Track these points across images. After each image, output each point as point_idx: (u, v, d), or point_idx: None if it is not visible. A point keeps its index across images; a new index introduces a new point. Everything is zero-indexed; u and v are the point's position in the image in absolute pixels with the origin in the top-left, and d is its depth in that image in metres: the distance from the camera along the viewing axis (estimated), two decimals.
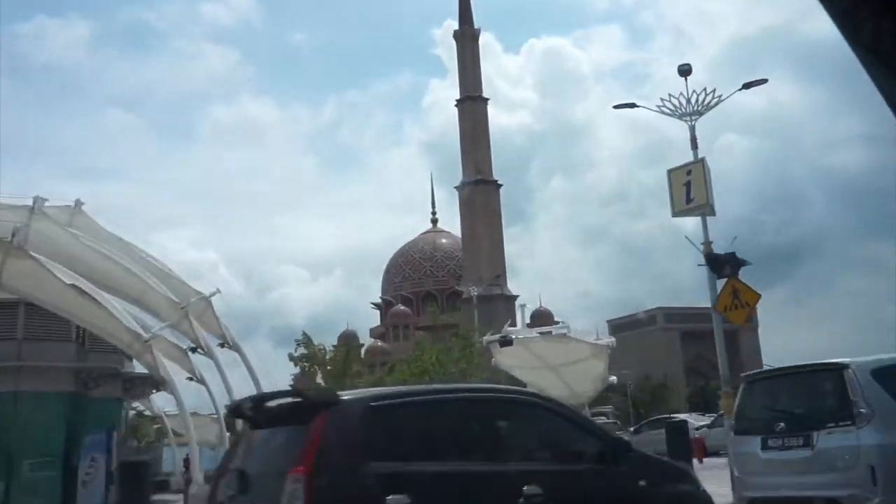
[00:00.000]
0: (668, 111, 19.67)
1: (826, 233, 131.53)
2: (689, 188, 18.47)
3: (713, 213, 19.75)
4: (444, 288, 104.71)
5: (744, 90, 20.73)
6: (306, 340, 40.02)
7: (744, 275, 15.50)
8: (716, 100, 20.82)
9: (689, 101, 19.50)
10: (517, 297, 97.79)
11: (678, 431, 22.56)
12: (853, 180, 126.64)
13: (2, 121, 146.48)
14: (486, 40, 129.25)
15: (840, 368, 8.76)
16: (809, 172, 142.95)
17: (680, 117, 19.68)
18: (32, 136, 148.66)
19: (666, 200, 18.33)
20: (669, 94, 19.80)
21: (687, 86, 19.89)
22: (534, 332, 16.83)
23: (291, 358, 40.56)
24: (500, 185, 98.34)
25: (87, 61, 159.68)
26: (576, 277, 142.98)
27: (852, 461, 8.23)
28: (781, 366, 10.96)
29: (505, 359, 18.75)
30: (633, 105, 21.44)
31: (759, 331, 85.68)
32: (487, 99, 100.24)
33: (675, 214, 18.91)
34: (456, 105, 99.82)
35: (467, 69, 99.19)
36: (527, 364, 20.58)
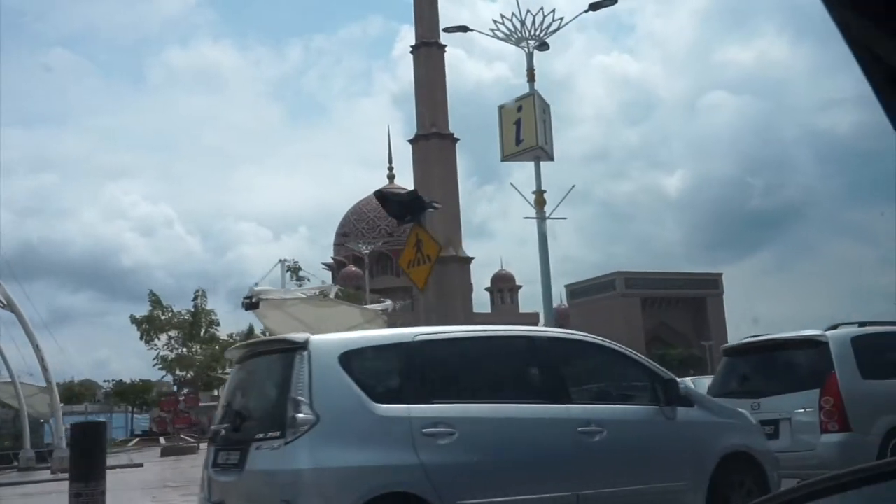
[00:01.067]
0: (502, 36, 16.85)
1: (814, 196, 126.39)
2: (520, 127, 15.54)
3: (549, 157, 14.91)
4: (399, 249, 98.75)
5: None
6: (154, 299, 33.95)
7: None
8: (556, 22, 15.96)
9: (523, 23, 16.72)
10: (472, 258, 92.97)
11: None
12: (842, 143, 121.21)
13: None
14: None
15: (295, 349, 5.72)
16: (798, 134, 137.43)
17: (517, 43, 16.88)
18: None
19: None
20: (502, 16, 15.14)
21: (519, 7, 15.03)
22: (296, 293, 11.92)
23: (133, 320, 34.34)
24: (457, 140, 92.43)
25: None
26: (554, 240, 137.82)
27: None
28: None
29: (272, 323, 13.66)
30: (465, 28, 16.70)
31: (724, 297, 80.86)
32: (444, 46, 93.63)
33: (504, 158, 16.08)
34: (411, 52, 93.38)
35: (423, 12, 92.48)
36: (293, 330, 15.63)
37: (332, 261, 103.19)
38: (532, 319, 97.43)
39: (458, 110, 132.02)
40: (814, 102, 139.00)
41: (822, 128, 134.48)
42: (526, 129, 15.27)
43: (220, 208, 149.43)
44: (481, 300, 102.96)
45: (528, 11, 15.99)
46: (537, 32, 16.25)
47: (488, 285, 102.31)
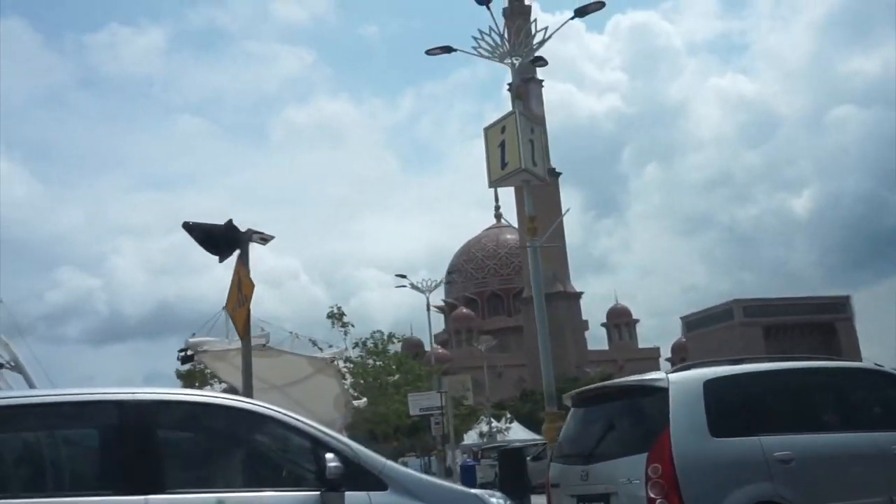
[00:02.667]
0: (485, 53, 15.14)
1: None
2: (504, 150, 14.13)
3: (540, 179, 13.61)
4: (509, 287, 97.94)
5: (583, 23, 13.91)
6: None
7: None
8: (540, 32, 14.81)
9: (502, 38, 15.15)
10: (581, 293, 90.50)
11: (513, 460, 18.79)
12: None
13: (77, 133, 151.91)
14: (566, 19, 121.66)
15: None
16: None
17: (500, 59, 15.30)
18: (107, 146, 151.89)
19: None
20: (481, 32, 15.00)
21: (495, 20, 14.94)
22: (236, 343, 11.03)
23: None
24: (559, 174, 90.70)
25: (160, 68, 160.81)
26: (680, 270, 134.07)
27: None
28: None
29: (226, 376, 12.87)
30: (449, 49, 15.70)
31: (858, 321, 74.95)
32: (542, 81, 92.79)
33: (491, 184, 14.73)
34: (507, 90, 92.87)
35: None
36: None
37: (442, 303, 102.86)
38: (652, 354, 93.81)
39: (571, 144, 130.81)
40: None
41: None
42: (510, 150, 13.99)
43: (343, 256, 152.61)
44: (599, 335, 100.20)
45: (507, 26, 14.78)
46: (520, 47, 14.96)
47: (605, 320, 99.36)
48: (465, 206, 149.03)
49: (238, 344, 12.38)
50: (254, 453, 4.58)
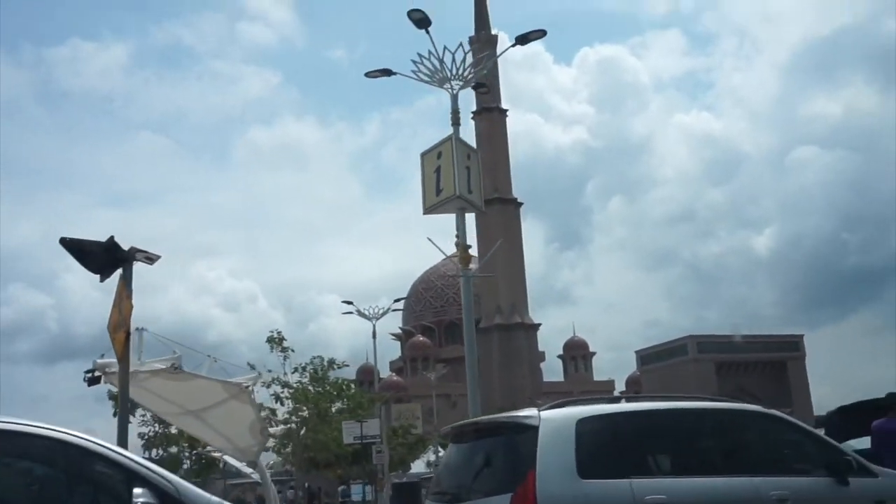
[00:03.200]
0: (425, 78, 15.11)
1: None
2: (440, 176, 13.99)
3: (475, 208, 13.38)
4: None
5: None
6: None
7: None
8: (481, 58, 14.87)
9: (441, 62, 14.97)
10: (539, 325, 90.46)
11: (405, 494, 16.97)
12: None
13: (34, 148, 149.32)
14: (534, 50, 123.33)
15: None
16: (895, 186, 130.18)
17: (440, 84, 15.16)
18: (65, 162, 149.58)
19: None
20: (420, 56, 15.03)
21: (434, 44, 15.02)
22: (145, 365, 10.49)
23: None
24: (521, 204, 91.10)
25: (121, 84, 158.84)
26: (642, 305, 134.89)
27: None
28: None
29: (138, 398, 12.31)
30: (388, 72, 15.42)
31: (807, 361, 75.90)
32: (506, 110, 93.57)
33: (426, 210, 14.38)
34: (472, 117, 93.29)
35: (484, 78, 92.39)
36: (165, 409, 14.25)
37: (399, 331, 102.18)
38: (607, 387, 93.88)
39: (536, 175, 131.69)
40: None
41: None
42: (445, 177, 13.75)
43: (303, 281, 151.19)
44: (557, 367, 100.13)
45: (447, 49, 14.59)
46: (460, 72, 14.78)
47: (561, 352, 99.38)
48: (428, 234, 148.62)
49: (148, 366, 11.94)
50: (56, 485, 4.07)
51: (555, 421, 6.01)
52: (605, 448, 6.16)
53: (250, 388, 12.57)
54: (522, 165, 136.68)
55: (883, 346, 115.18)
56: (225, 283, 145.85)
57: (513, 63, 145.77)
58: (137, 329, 18.07)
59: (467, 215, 14.30)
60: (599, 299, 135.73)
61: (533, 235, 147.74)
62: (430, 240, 14.07)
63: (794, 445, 7.02)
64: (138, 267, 8.35)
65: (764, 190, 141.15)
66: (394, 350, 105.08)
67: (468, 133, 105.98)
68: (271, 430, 15.05)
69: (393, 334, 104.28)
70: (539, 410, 6.19)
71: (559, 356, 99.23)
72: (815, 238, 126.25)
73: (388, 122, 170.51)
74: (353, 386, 29.18)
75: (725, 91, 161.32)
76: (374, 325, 35.39)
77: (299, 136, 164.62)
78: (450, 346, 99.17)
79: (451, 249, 14.54)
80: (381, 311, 36.36)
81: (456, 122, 14.51)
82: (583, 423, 6.03)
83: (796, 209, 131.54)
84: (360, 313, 34.87)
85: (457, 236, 14.05)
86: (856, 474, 6.48)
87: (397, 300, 42.13)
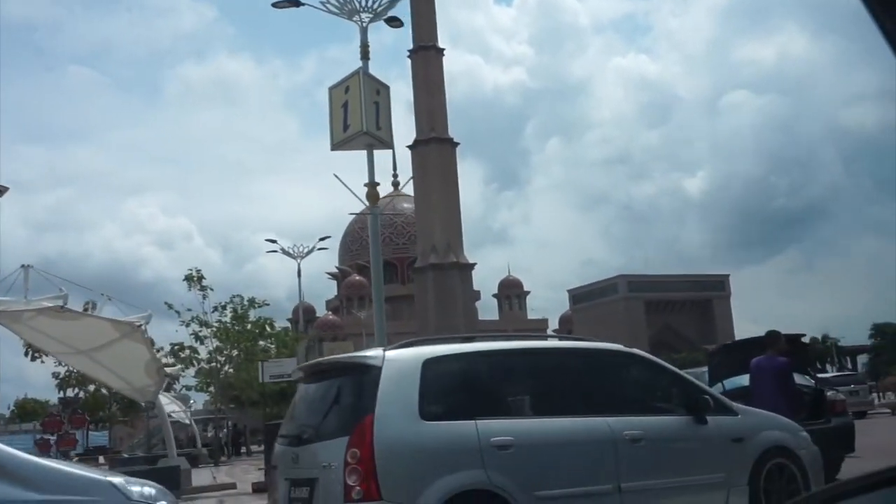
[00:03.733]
0: (334, 10, 14.77)
1: (840, 194, 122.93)
2: (347, 111, 13.67)
3: (385, 145, 13.13)
4: (404, 256, 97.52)
5: None
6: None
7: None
8: None
9: None
10: (474, 265, 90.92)
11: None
12: (868, 138, 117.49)
13: None
14: None
15: None
16: (823, 131, 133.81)
17: (349, 16, 14.80)
18: None
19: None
20: None
21: None
22: (32, 304, 10.13)
23: None
24: (457, 144, 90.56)
25: (44, 13, 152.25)
26: (578, 245, 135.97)
27: None
28: None
29: (27, 338, 12.03)
30: (297, 3, 14.94)
31: (732, 300, 78.18)
32: (443, 49, 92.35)
33: (333, 147, 13.95)
34: (408, 56, 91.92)
35: (421, 16, 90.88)
36: (55, 349, 13.98)
37: (336, 270, 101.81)
38: (541, 325, 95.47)
39: (475, 116, 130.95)
40: (838, 98, 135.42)
41: (848, 124, 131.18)
42: (352, 112, 13.51)
43: (239, 220, 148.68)
44: (493, 306, 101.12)
45: None
46: (370, 4, 14.42)
47: (496, 291, 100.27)
48: (366, 174, 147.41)
49: (36, 305, 11.60)
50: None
51: (399, 361, 5.86)
52: (453, 389, 6.11)
53: (142, 327, 12.31)
54: (462, 106, 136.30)
55: (806, 285, 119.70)
56: (158, 221, 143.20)
57: (452, 2, 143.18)
58: (23, 266, 17.58)
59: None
60: (537, 239, 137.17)
61: (472, 176, 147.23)
62: (336, 176, 13.87)
63: (655, 385, 7.13)
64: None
65: (697, 133, 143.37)
66: (332, 290, 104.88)
67: (405, 72, 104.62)
68: (168, 370, 14.74)
69: (329, 273, 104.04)
70: (384, 350, 6.06)
71: (494, 295, 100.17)
72: (744, 180, 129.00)
73: (326, 59, 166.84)
74: (275, 325, 29.00)
75: (662, 34, 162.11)
76: (298, 264, 35.12)
77: (234, 73, 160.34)
78: (386, 285, 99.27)
79: (363, 189, 14.36)
80: (305, 251, 35.94)
81: (365, 55, 14.22)
82: (429, 363, 5.89)
83: (728, 152, 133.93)
84: (284, 252, 34.47)
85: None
86: (715, 413, 6.62)
87: (322, 239, 41.78)
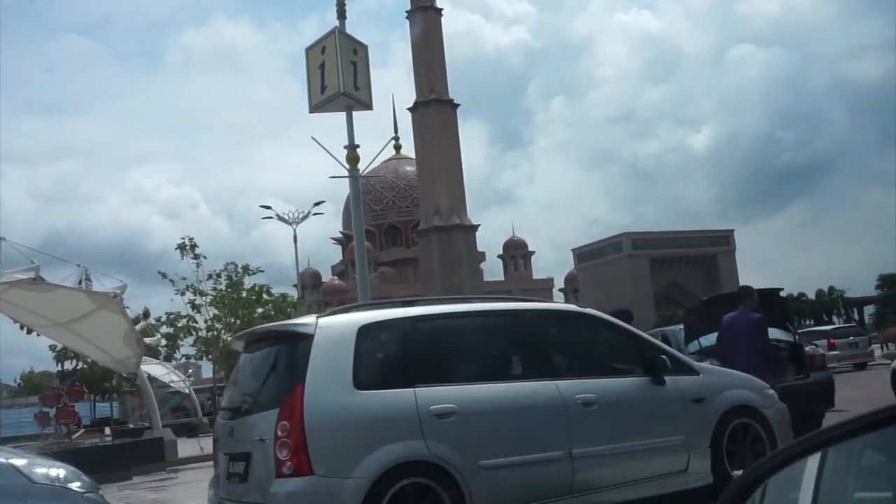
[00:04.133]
0: None
1: (846, 147, 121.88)
2: (324, 72, 13.41)
3: (365, 106, 12.92)
4: (408, 220, 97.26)
5: None
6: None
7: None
8: None
9: None
10: (478, 226, 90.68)
11: None
12: (873, 90, 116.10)
13: None
14: None
15: None
16: (828, 84, 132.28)
17: None
18: None
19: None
20: None
21: None
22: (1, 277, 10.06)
23: None
24: (457, 105, 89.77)
25: None
26: (583, 204, 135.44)
27: None
28: None
29: (11, 313, 11.93)
30: None
31: (737, 255, 77.90)
32: (441, 9, 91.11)
33: (312, 109, 13.79)
34: (406, 17, 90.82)
35: None
36: (32, 321, 13.87)
37: (340, 235, 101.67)
38: (546, 285, 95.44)
39: (477, 76, 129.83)
40: (843, 50, 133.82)
41: (853, 76, 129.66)
42: (329, 73, 13.23)
43: (244, 187, 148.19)
44: (497, 268, 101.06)
45: None
46: None
47: (500, 252, 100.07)
48: (367, 137, 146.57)
49: (6, 278, 11.49)
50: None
51: (333, 328, 5.57)
52: (390, 356, 5.86)
53: (118, 297, 12.17)
54: (464, 67, 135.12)
55: (811, 238, 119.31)
56: (163, 191, 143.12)
57: None
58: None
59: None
60: (542, 199, 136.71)
61: (475, 137, 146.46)
62: (314, 139, 13.59)
63: (610, 346, 6.82)
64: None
65: (702, 89, 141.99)
66: (338, 254, 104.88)
67: (400, 34, 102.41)
68: (147, 340, 14.64)
69: (334, 239, 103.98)
70: (318, 317, 5.77)
71: (499, 256, 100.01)
72: (750, 136, 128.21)
73: (327, 23, 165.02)
74: (272, 291, 28.91)
75: None
76: (294, 230, 34.91)
77: (234, 38, 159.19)
78: (391, 248, 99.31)
79: (342, 151, 14.07)
80: (300, 216, 35.65)
81: (341, 14, 13.85)
82: (365, 329, 5.60)
83: (733, 107, 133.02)
84: (279, 217, 34.26)
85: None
86: (674, 373, 6.35)
87: (316, 204, 41.43)
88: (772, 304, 10.75)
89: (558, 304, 7.24)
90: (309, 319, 5.79)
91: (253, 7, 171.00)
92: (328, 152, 13.70)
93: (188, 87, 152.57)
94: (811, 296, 78.82)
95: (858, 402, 11.04)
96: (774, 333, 10.09)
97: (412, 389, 5.45)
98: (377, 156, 13.75)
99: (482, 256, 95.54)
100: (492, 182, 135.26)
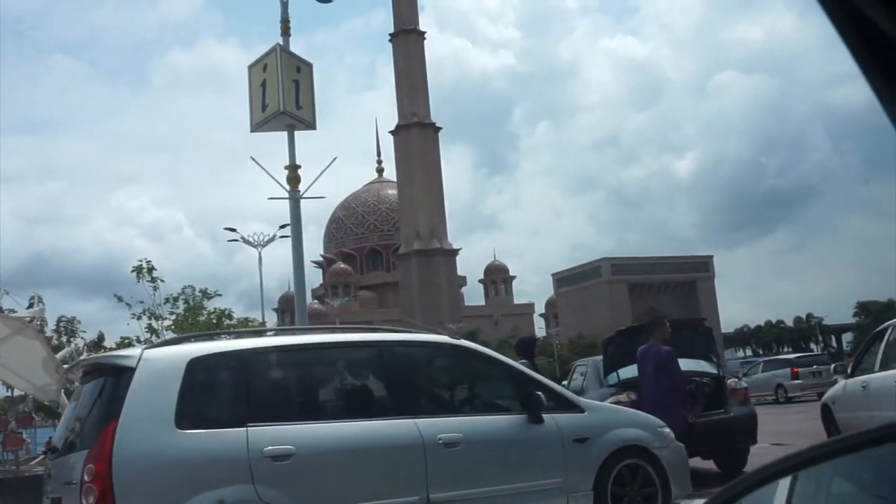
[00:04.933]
0: None
1: (830, 174, 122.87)
2: (265, 90, 13.15)
3: (308, 125, 12.60)
4: (389, 243, 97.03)
5: None
6: None
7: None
8: None
9: None
10: (458, 250, 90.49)
11: None
12: (856, 117, 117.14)
13: None
14: None
15: None
16: (812, 111, 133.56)
17: None
18: None
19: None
20: None
21: None
22: None
23: None
24: (439, 129, 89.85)
25: (31, 3, 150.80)
26: (567, 229, 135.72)
27: None
28: None
29: None
30: None
31: (717, 281, 77.96)
32: (424, 33, 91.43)
33: (253, 128, 13.45)
34: (389, 40, 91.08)
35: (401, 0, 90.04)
36: None
37: (321, 258, 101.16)
38: (527, 310, 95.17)
39: (463, 100, 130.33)
40: (826, 77, 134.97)
41: (836, 103, 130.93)
42: (270, 91, 12.92)
43: (228, 209, 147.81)
44: (479, 292, 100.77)
45: None
46: None
47: (482, 276, 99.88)
48: (352, 161, 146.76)
49: None
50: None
51: (158, 361, 5.08)
52: (224, 392, 5.36)
53: (34, 322, 11.73)
54: (449, 91, 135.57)
55: (795, 265, 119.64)
56: (148, 213, 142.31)
57: None
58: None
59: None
60: (526, 224, 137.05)
61: (461, 161, 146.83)
62: (253, 159, 13.24)
63: (485, 380, 6.38)
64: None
65: (686, 115, 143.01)
66: (318, 278, 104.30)
67: (387, 56, 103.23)
68: (65, 366, 14.14)
69: (314, 262, 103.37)
70: (144, 349, 5.37)
71: (480, 280, 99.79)
72: (734, 162, 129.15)
73: (313, 44, 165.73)
74: (233, 315, 28.32)
75: (650, 16, 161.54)
76: (259, 253, 34.46)
77: (221, 60, 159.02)
78: (372, 272, 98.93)
79: (282, 172, 13.68)
80: (266, 239, 35.14)
81: (286, 31, 13.57)
82: (196, 362, 5.11)
83: (717, 134, 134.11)
84: (244, 241, 33.88)
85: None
86: (556, 410, 5.92)
87: (282, 227, 40.85)
88: (696, 334, 10.44)
89: (427, 335, 6.71)
90: (133, 352, 5.36)
91: (239, 28, 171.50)
92: (267, 172, 13.35)
93: (175, 107, 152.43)
94: (789, 323, 78.91)
95: (807, 434, 10.72)
96: (702, 365, 9.76)
97: (244, 429, 4.98)
98: (318, 178, 13.26)
99: (463, 281, 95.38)
100: (476, 207, 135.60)
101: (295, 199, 13.38)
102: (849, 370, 10.31)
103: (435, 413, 5.69)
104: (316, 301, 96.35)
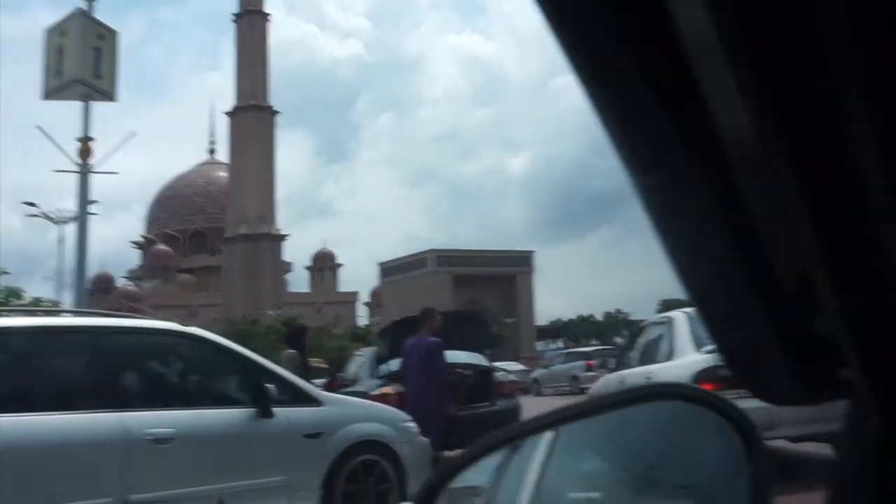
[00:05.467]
0: None
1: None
2: (63, 57, 12.70)
3: (106, 96, 12.21)
4: (216, 226, 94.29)
5: None
6: None
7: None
8: None
9: None
10: (286, 236, 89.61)
11: None
12: None
13: None
14: None
15: None
16: None
17: None
18: None
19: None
20: None
21: None
22: None
23: None
24: (277, 113, 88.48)
25: None
26: (402, 220, 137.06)
27: None
28: None
29: None
30: None
31: (535, 275, 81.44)
32: (268, 15, 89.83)
33: (47, 96, 12.86)
34: (233, 20, 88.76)
35: None
36: None
37: (142, 239, 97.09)
38: (350, 298, 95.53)
39: (307, 86, 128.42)
40: None
41: None
42: (68, 58, 12.58)
43: (45, 185, 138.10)
44: (306, 279, 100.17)
45: None
46: None
47: (310, 264, 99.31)
48: (189, 140, 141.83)
49: None
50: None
51: None
52: None
53: None
54: (295, 75, 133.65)
55: (610, 262, 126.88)
56: None
57: None
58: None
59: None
60: (361, 213, 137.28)
61: (300, 147, 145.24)
62: (39, 128, 12.77)
63: (213, 371, 6.04)
64: None
65: (525, 114, 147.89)
66: (136, 258, 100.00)
67: (232, 37, 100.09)
68: None
69: (134, 242, 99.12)
70: None
71: (307, 267, 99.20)
72: (567, 162, 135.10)
73: (156, 21, 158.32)
74: (22, 294, 26.77)
75: (497, 16, 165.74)
76: (61, 229, 32.84)
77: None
78: (195, 255, 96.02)
79: (98, 147, 13.31)
80: (68, 216, 33.41)
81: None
82: None
83: (552, 134, 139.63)
84: (46, 216, 32.20)
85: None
86: (290, 403, 5.72)
87: (91, 203, 38.92)
88: (470, 327, 10.82)
89: (150, 321, 6.51)
90: None
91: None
92: (56, 144, 13.00)
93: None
94: (599, 317, 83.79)
95: None
96: (475, 358, 10.03)
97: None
98: (112, 152, 13.03)
99: (288, 267, 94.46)
100: (313, 193, 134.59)
101: (85, 172, 13.12)
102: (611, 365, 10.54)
103: (149, 406, 5.30)
104: (130, 283, 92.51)
